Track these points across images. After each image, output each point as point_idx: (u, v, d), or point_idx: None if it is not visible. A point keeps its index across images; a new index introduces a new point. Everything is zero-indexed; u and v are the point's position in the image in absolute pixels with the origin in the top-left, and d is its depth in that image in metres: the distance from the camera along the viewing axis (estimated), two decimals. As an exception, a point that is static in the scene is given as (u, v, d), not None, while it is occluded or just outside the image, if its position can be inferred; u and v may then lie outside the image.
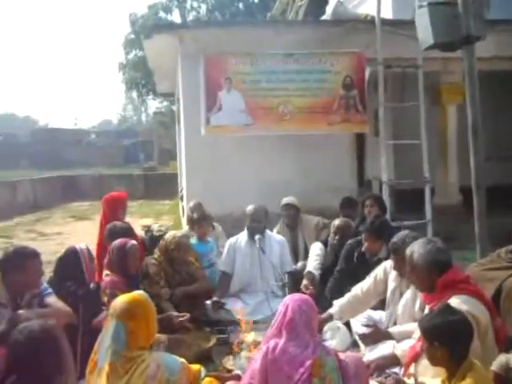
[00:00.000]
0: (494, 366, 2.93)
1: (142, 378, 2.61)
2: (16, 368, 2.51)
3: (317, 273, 5.49)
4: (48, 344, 2.51)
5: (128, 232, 5.09)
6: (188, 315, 4.40)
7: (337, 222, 5.72)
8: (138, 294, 2.99)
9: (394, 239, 4.10)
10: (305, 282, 5.38)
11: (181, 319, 4.32)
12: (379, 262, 4.82)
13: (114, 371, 2.63)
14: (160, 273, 5.05)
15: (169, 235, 5.31)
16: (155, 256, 5.20)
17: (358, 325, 4.49)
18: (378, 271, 4.41)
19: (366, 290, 4.39)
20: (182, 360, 2.87)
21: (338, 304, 4.41)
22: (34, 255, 3.72)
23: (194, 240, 5.95)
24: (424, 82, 7.60)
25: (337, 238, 5.62)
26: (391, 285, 4.27)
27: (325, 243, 5.79)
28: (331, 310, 4.39)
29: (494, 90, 9.21)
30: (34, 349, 2.45)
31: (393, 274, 4.26)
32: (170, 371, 2.71)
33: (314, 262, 5.59)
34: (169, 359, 2.80)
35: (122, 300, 2.86)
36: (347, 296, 4.43)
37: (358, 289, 4.42)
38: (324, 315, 4.35)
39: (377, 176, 8.30)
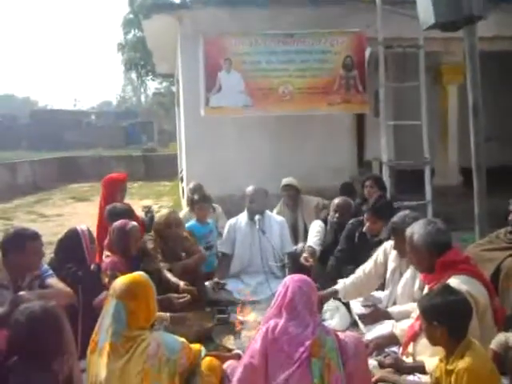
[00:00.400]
0: (493, 345, 2.96)
1: (142, 357, 2.63)
2: (17, 349, 2.54)
3: (317, 248, 5.53)
4: (49, 325, 2.55)
5: (128, 213, 5.10)
6: (188, 296, 4.43)
7: (336, 200, 5.75)
8: (138, 274, 3.00)
9: (394, 219, 4.12)
10: (305, 254, 5.43)
11: (180, 300, 4.34)
12: (380, 242, 4.84)
13: (114, 351, 2.66)
14: (157, 248, 5.08)
15: (158, 214, 5.35)
16: (151, 234, 5.21)
17: (358, 305, 4.52)
18: (379, 253, 4.42)
19: (367, 272, 4.42)
20: (183, 339, 2.89)
21: (342, 283, 4.45)
22: (35, 237, 3.72)
23: (193, 221, 5.96)
24: (425, 62, 7.54)
25: (336, 216, 5.65)
26: (391, 265, 4.29)
27: (325, 222, 5.82)
28: (336, 287, 4.44)
29: (496, 70, 9.17)
30: (34, 329, 2.49)
31: (393, 254, 4.27)
32: (171, 350, 2.73)
33: (314, 237, 5.64)
34: (169, 339, 2.82)
35: (122, 281, 2.87)
36: (351, 277, 4.46)
37: (360, 271, 4.45)
38: (329, 290, 4.41)
39: (377, 157, 8.29)
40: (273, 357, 2.61)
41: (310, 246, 5.55)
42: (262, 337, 2.66)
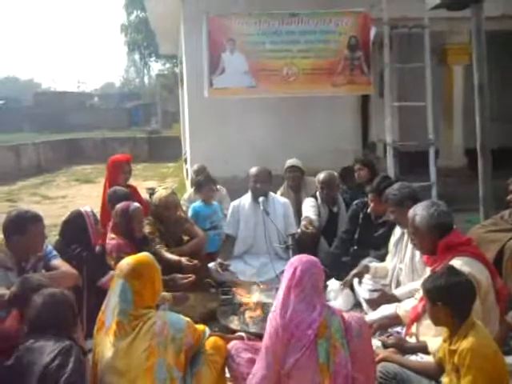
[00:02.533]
0: (509, 317, 2.99)
1: (148, 335, 2.67)
2: (37, 328, 2.64)
3: (314, 217, 5.57)
4: (68, 307, 2.76)
5: (128, 197, 5.05)
6: (193, 276, 4.45)
7: (321, 175, 5.85)
8: (144, 255, 3.03)
9: (389, 190, 4.20)
10: (304, 223, 5.47)
11: (185, 281, 4.37)
12: (384, 224, 4.86)
13: (121, 329, 2.69)
14: (155, 231, 5.09)
15: (155, 197, 5.30)
16: (149, 217, 5.19)
17: (362, 288, 4.54)
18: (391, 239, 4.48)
19: (389, 259, 4.49)
20: (188, 319, 2.92)
21: (374, 264, 4.57)
22: (37, 219, 3.73)
23: (198, 202, 5.97)
24: (430, 42, 7.46)
25: (324, 190, 5.75)
26: (396, 235, 4.32)
27: (316, 198, 5.88)
28: (368, 263, 4.57)
29: (502, 50, 9.08)
30: (56, 311, 2.68)
31: (397, 228, 4.30)
32: (176, 329, 2.76)
33: (308, 211, 5.74)
34: (174, 318, 2.85)
35: (127, 261, 2.90)
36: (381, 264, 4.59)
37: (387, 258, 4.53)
38: (360, 266, 4.59)
39: (381, 138, 8.25)
40: (284, 342, 2.62)
41: (306, 216, 5.64)
42: (273, 323, 2.67)
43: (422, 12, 6.92)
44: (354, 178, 6.51)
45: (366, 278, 4.54)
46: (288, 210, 5.67)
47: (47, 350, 2.49)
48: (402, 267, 4.19)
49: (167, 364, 2.67)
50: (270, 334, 2.66)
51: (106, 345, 2.70)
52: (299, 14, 7.42)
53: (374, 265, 4.56)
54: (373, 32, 7.46)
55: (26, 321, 2.73)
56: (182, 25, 8.42)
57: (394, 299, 3.99)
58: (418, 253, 3.94)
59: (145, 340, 2.66)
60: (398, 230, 4.34)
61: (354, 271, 4.55)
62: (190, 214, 5.87)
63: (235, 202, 5.77)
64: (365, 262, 4.73)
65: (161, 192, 5.37)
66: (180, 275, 4.43)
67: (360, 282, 4.58)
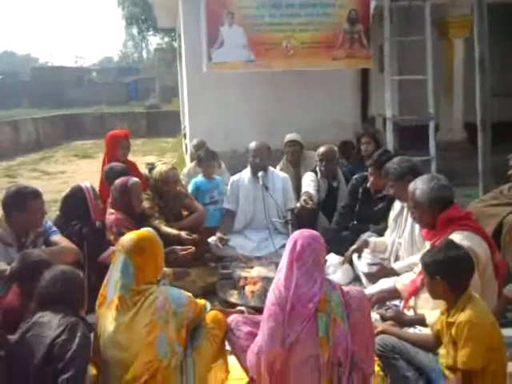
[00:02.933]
0: (507, 291, 3.02)
1: (150, 309, 2.68)
2: (45, 303, 2.66)
3: (313, 192, 5.59)
4: (77, 285, 2.81)
5: (125, 173, 4.99)
6: (193, 248, 4.48)
7: (321, 149, 5.82)
8: (146, 230, 3.03)
9: (389, 164, 4.19)
10: (303, 197, 5.48)
11: (184, 252, 4.39)
12: (384, 198, 4.86)
13: (123, 303, 2.70)
14: (154, 207, 5.10)
15: (155, 171, 5.28)
16: (148, 193, 5.19)
17: (361, 262, 4.57)
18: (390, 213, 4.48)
19: (388, 233, 4.49)
20: (189, 294, 2.94)
21: (373, 238, 4.57)
22: (36, 195, 3.73)
23: (199, 177, 5.97)
24: (431, 15, 7.39)
25: (324, 164, 5.73)
26: (396, 209, 4.33)
27: (316, 172, 5.86)
28: (367, 238, 4.57)
29: (504, 23, 8.97)
30: (66, 287, 2.71)
31: (397, 202, 4.31)
32: (177, 304, 2.78)
33: (308, 185, 5.73)
34: (176, 293, 2.86)
35: (130, 236, 2.90)
36: (380, 238, 4.59)
37: (386, 233, 4.54)
38: (360, 241, 4.58)
39: (381, 112, 8.22)
40: (286, 316, 2.63)
41: (306, 191, 5.63)
42: (277, 295, 2.68)
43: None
44: (354, 153, 6.51)
45: (366, 252, 4.56)
46: (287, 185, 5.67)
47: (54, 324, 2.52)
48: (402, 241, 4.21)
49: (168, 338, 2.69)
50: (273, 305, 2.67)
51: (107, 319, 2.72)
52: (299, -13, 7.33)
53: (374, 239, 4.57)
54: (372, 5, 7.40)
55: (33, 295, 2.73)
56: (179, -3, 8.31)
57: (392, 273, 4.01)
58: (417, 227, 3.95)
59: (146, 315, 2.67)
60: (397, 205, 4.34)
61: (354, 246, 4.56)
62: (190, 188, 5.87)
63: (234, 177, 5.77)
64: (364, 236, 4.74)
65: (161, 167, 5.36)
66: (179, 247, 4.45)
67: (359, 257, 4.60)
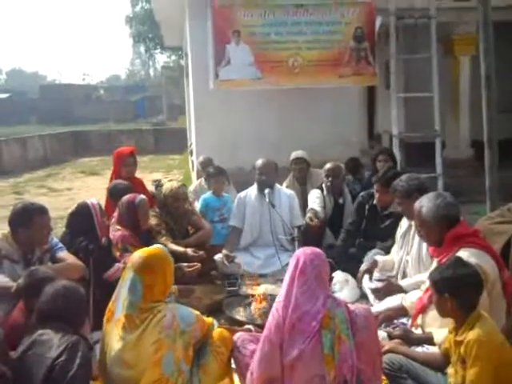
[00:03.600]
0: None
1: (157, 328, 2.66)
2: (45, 319, 2.64)
3: (319, 209, 5.58)
4: (79, 301, 2.77)
5: (128, 191, 5.00)
6: (198, 265, 4.47)
7: (327, 165, 5.83)
8: (157, 248, 3.00)
9: (397, 181, 4.17)
10: (309, 215, 5.46)
11: (190, 269, 4.38)
12: (390, 215, 4.84)
13: (130, 322, 2.68)
14: (161, 224, 5.09)
15: (166, 187, 5.28)
16: (155, 210, 5.20)
17: (367, 279, 4.54)
18: (398, 229, 4.45)
19: (395, 251, 4.47)
20: (197, 312, 2.92)
21: (380, 257, 4.53)
22: (42, 211, 3.74)
23: (208, 194, 5.96)
24: (436, 32, 7.42)
25: (330, 180, 5.74)
26: (403, 227, 4.31)
27: (322, 189, 5.85)
28: (376, 258, 4.53)
29: (509, 41, 9.01)
30: (67, 303, 2.67)
31: (404, 220, 4.28)
32: (185, 323, 2.76)
33: (313, 202, 5.72)
34: (184, 311, 2.84)
35: (140, 254, 2.87)
36: (386, 257, 4.56)
37: (392, 251, 4.52)
38: (369, 262, 4.55)
39: (387, 129, 8.23)
40: (287, 334, 2.62)
41: (311, 208, 5.62)
42: (275, 315, 2.67)
43: (429, 2, 6.89)
44: (361, 170, 6.49)
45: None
46: (294, 202, 5.67)
47: (54, 343, 2.50)
48: (409, 259, 4.18)
49: (175, 357, 2.67)
50: (270, 325, 2.67)
51: (114, 337, 2.70)
52: (305, 5, 7.39)
53: (381, 258, 4.55)
54: (378, 22, 7.44)
55: (34, 311, 2.72)
56: (187, 16, 8.39)
57: (399, 289, 3.99)
58: (424, 245, 3.92)
59: (154, 333, 2.65)
60: (404, 222, 4.32)
61: (364, 267, 4.52)
62: (199, 205, 5.87)
63: (241, 194, 5.77)
64: (371, 253, 4.72)
65: (171, 183, 5.37)
66: (185, 264, 4.44)
67: (370, 278, 4.56)
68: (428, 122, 7.46)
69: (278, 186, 5.74)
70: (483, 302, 2.86)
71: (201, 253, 4.80)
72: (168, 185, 5.33)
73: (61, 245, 3.96)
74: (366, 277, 4.55)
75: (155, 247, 3.02)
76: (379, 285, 4.27)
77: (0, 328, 2.89)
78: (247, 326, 3.70)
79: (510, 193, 4.63)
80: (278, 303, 2.69)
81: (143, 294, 2.73)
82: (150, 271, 2.78)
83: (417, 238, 4.03)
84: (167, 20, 11.12)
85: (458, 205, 3.40)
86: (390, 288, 4.09)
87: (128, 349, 2.65)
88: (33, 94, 40.00)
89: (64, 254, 3.88)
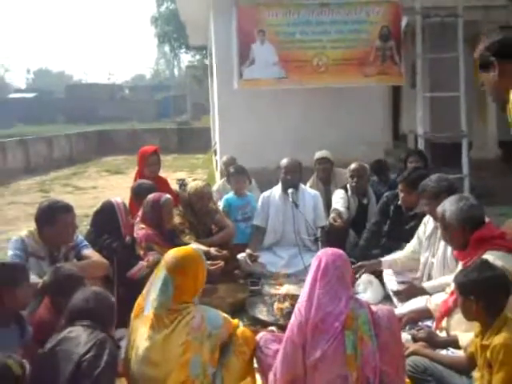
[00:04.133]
0: None
1: (186, 329, 2.66)
2: (78, 318, 2.66)
3: (342, 209, 5.56)
4: (109, 308, 2.79)
5: (152, 190, 5.00)
6: (222, 263, 4.48)
7: (352, 165, 5.80)
8: (192, 249, 3.00)
9: (426, 181, 4.12)
10: (332, 215, 5.46)
11: (214, 267, 4.38)
12: (415, 216, 4.79)
13: (159, 321, 2.69)
14: (185, 223, 5.13)
15: (190, 186, 5.32)
16: (179, 208, 5.23)
17: (392, 280, 4.50)
18: (420, 227, 4.40)
19: (412, 247, 4.42)
20: (224, 315, 2.93)
21: (390, 256, 4.52)
22: (67, 209, 3.78)
23: (230, 194, 5.98)
24: (464, 31, 7.33)
25: (355, 180, 5.72)
26: (427, 231, 4.26)
27: (346, 189, 5.83)
28: (381, 258, 4.50)
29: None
30: (97, 309, 2.71)
31: (430, 221, 4.23)
32: (213, 325, 2.76)
33: (337, 203, 5.69)
34: (212, 314, 2.85)
35: (174, 253, 2.87)
36: (399, 253, 4.53)
37: (407, 247, 4.48)
38: (373, 261, 4.53)
39: (412, 129, 8.15)
40: (309, 335, 2.62)
41: (335, 209, 5.59)
42: (298, 316, 2.67)
43: (456, 0, 6.80)
44: (387, 172, 6.43)
45: (391, 272, 4.51)
46: (318, 202, 5.64)
47: (82, 340, 2.52)
48: (434, 261, 4.13)
49: (203, 360, 2.68)
50: (292, 326, 2.67)
51: (141, 335, 2.71)
52: (329, 4, 7.37)
53: (390, 259, 4.50)
54: (404, 21, 7.37)
55: (64, 312, 2.74)
56: (211, 16, 8.41)
57: (422, 292, 3.95)
58: (450, 248, 3.87)
59: (182, 334, 2.66)
60: (430, 223, 4.26)
61: (366, 268, 4.52)
62: (222, 205, 5.88)
63: (266, 193, 5.75)
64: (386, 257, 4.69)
65: (196, 182, 5.42)
66: (209, 261, 4.45)
67: (379, 278, 4.55)
68: (454, 122, 7.37)
69: (302, 186, 5.72)
70: (510, 305, 2.81)
71: (224, 252, 4.81)
72: (193, 184, 5.36)
73: (86, 242, 4.01)
74: (390, 278, 4.52)
75: (190, 248, 3.02)
76: (401, 287, 4.23)
77: (28, 325, 2.94)
78: (270, 328, 3.69)
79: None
80: (301, 304, 2.68)
81: (173, 294, 2.74)
82: (182, 272, 2.78)
83: (442, 241, 3.98)
84: (192, 20, 11.18)
85: (481, 206, 3.36)
86: (411, 291, 4.05)
87: (155, 348, 2.66)
88: (59, 93, 40.55)
89: (89, 252, 3.93)
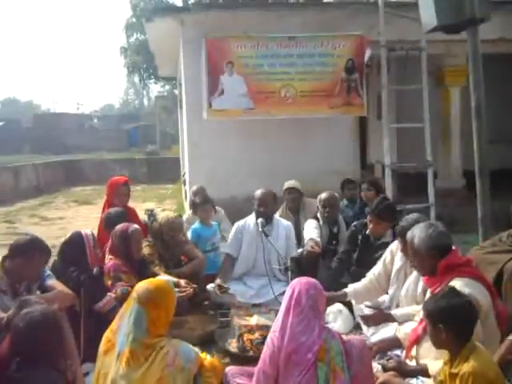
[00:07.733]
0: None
1: (161, 365, 2.65)
2: (19, 352, 2.55)
3: (318, 239, 5.56)
4: (49, 329, 2.57)
5: (122, 216, 5.04)
6: (190, 290, 4.45)
7: (323, 195, 5.83)
8: (164, 282, 3.00)
9: (403, 223, 4.10)
10: (310, 243, 5.43)
11: (182, 294, 4.33)
12: (383, 245, 4.84)
13: (134, 358, 2.67)
14: (154, 253, 5.09)
15: (162, 217, 5.32)
16: (148, 239, 5.21)
17: (361, 308, 4.51)
18: (386, 254, 4.42)
19: (377, 274, 4.41)
20: (196, 350, 2.93)
21: (353, 286, 4.45)
22: (46, 251, 3.74)
23: (197, 224, 5.96)
24: (427, 64, 7.53)
25: (327, 210, 5.74)
26: (396, 264, 4.28)
27: (317, 219, 5.85)
28: (346, 290, 4.45)
29: (499, 72, 9.14)
30: (34, 334, 2.51)
31: (399, 254, 4.26)
32: (186, 359, 2.75)
33: (311, 232, 5.67)
34: (185, 347, 2.83)
35: (147, 286, 2.85)
36: (363, 281, 4.47)
37: (370, 274, 4.46)
38: (338, 293, 4.43)
39: (379, 159, 8.27)
40: (282, 365, 2.60)
41: (311, 238, 5.57)
42: (270, 346, 2.65)
43: (419, 35, 7.00)
44: (355, 191, 6.52)
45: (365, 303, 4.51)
46: (290, 233, 5.65)
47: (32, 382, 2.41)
48: (402, 294, 4.13)
49: None
50: (264, 357, 2.65)
51: (116, 371, 2.66)
52: (297, 37, 7.51)
53: (355, 290, 4.42)
54: (367, 54, 7.54)
55: (10, 344, 2.62)
56: (181, 47, 8.48)
57: (389, 317, 3.96)
58: (420, 283, 3.87)
59: (158, 370, 2.65)
60: (398, 259, 4.28)
61: (330, 295, 4.35)
62: (190, 235, 5.85)
63: (240, 222, 5.72)
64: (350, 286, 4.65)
65: (168, 213, 5.46)
66: (177, 289, 4.40)
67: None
68: (420, 152, 7.51)
69: (276, 216, 5.74)
70: (477, 332, 2.85)
71: (194, 286, 4.76)
72: (164, 214, 5.36)
73: (49, 272, 3.93)
74: (360, 306, 4.52)
75: (162, 280, 3.01)
76: (370, 311, 4.24)
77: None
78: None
79: (501, 223, 4.63)
80: (273, 334, 2.67)
81: (148, 328, 2.72)
82: (155, 305, 2.77)
83: (411, 277, 4.00)
84: (161, 50, 11.23)
85: (449, 234, 3.41)
86: (379, 316, 4.05)
87: (132, 386, 2.61)
88: (26, 122, 40.05)
89: (53, 282, 3.84)
